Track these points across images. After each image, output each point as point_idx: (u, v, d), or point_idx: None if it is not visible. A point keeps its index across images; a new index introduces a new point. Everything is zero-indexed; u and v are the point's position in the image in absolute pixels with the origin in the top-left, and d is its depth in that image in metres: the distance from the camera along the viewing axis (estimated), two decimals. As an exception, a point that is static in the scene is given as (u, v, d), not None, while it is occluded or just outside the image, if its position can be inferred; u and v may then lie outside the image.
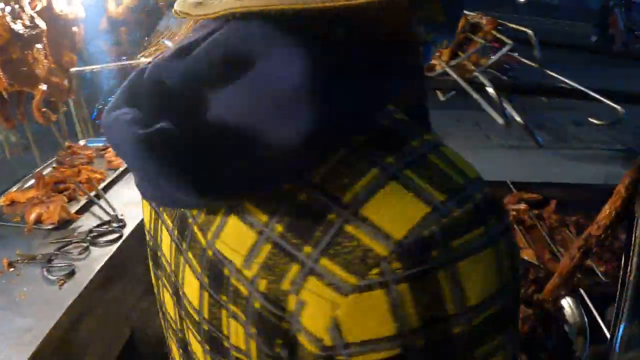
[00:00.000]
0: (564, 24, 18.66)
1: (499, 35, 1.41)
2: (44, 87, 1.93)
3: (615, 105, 1.06)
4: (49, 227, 1.64)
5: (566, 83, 1.24)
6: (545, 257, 1.61)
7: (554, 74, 1.34)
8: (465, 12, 1.71)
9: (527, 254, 1.62)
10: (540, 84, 1.29)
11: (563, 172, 4.93)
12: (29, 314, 1.28)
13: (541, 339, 1.23)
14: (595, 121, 1.01)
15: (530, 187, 2.13)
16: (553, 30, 16.68)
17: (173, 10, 0.42)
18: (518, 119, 0.87)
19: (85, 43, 2.36)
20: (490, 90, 0.98)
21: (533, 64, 1.45)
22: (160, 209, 0.50)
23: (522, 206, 1.82)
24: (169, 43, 1.14)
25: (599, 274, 1.56)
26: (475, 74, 1.18)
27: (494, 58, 1.23)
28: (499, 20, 1.58)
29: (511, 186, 2.07)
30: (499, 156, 5.43)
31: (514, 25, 1.55)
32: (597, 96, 1.12)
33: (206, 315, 0.42)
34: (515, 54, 1.82)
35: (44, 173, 2.01)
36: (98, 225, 1.68)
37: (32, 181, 1.94)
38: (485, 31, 1.46)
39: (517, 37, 1.65)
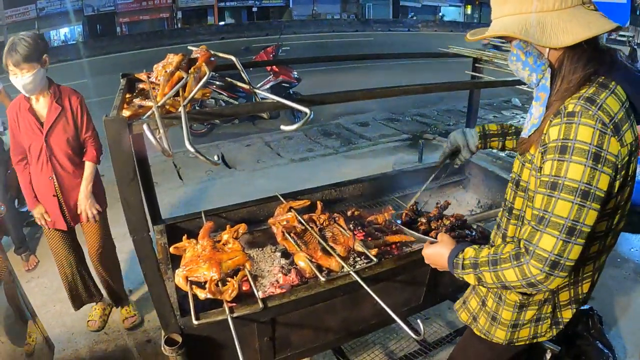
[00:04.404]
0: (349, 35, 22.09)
1: (204, 68, 1.58)
2: None
3: (303, 108, 1.32)
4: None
5: (270, 97, 1.48)
6: (318, 256, 1.85)
7: (261, 92, 1.58)
8: (191, 47, 1.88)
9: (299, 257, 1.84)
10: (222, 107, 1.50)
11: (353, 171, 5.57)
12: None
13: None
14: (286, 127, 1.24)
15: (297, 195, 2.42)
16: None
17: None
18: (191, 148, 1.02)
19: None
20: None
21: (245, 85, 1.69)
22: None
23: (290, 215, 2.05)
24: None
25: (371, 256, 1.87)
26: (180, 108, 1.33)
27: (194, 92, 1.39)
28: (210, 52, 1.79)
29: (281, 198, 2.31)
30: (291, 170, 5.90)
31: (221, 54, 1.76)
32: (288, 103, 1.37)
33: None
34: (216, 83, 2.10)
35: None
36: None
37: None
38: (197, 66, 1.62)
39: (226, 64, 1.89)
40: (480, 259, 1.28)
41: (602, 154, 1.06)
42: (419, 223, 1.89)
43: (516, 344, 1.48)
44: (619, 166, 1.11)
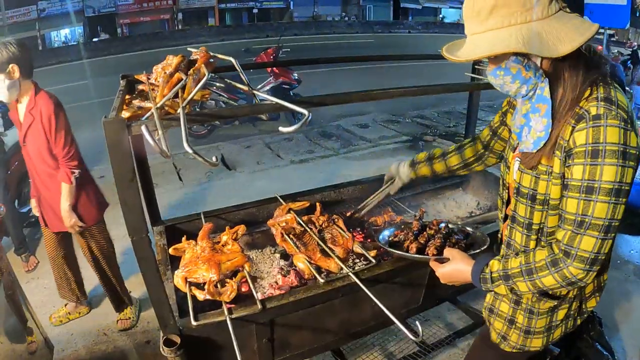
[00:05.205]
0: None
1: (203, 70, 1.57)
2: None
3: (301, 110, 1.32)
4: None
5: (269, 99, 1.48)
6: (317, 257, 1.85)
7: (260, 93, 1.58)
8: (190, 49, 1.89)
9: (298, 259, 1.84)
10: (221, 109, 1.50)
11: (353, 172, 5.57)
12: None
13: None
14: (284, 129, 1.24)
15: (297, 196, 2.42)
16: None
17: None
18: (189, 149, 1.02)
19: None
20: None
21: (244, 87, 1.69)
22: None
23: (289, 217, 2.05)
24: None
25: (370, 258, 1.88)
26: (179, 109, 1.33)
27: (193, 93, 1.39)
28: (210, 53, 1.79)
29: (280, 199, 2.32)
30: (291, 171, 5.90)
31: (220, 56, 1.77)
32: (287, 104, 1.38)
33: None
34: (217, 84, 2.12)
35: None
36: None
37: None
38: (196, 67, 1.63)
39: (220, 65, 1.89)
40: (512, 271, 1.29)
41: (628, 150, 1.10)
42: (407, 241, 1.85)
43: (550, 344, 1.51)
44: (638, 155, 1.14)
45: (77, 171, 2.53)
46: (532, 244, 1.37)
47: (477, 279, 1.38)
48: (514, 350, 1.51)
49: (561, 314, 1.43)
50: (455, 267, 1.47)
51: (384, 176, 2.21)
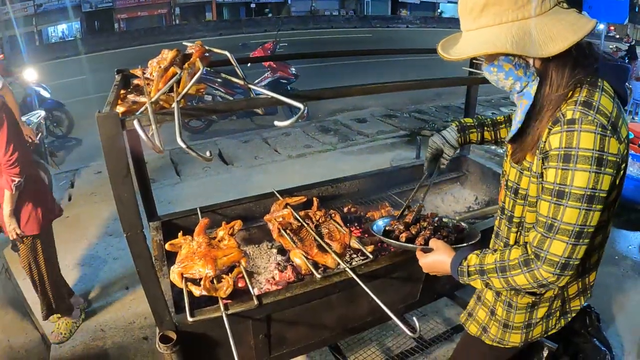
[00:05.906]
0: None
1: (198, 64, 1.56)
2: None
3: (296, 104, 1.30)
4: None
5: (265, 93, 1.47)
6: (314, 252, 1.84)
7: (256, 87, 1.56)
8: (185, 43, 1.87)
9: (295, 254, 1.83)
10: (216, 103, 1.48)
11: (351, 167, 5.57)
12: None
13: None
14: (279, 123, 1.22)
15: (294, 191, 2.41)
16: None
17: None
18: (182, 144, 1.01)
19: None
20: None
21: (239, 81, 1.68)
22: None
23: (286, 212, 2.04)
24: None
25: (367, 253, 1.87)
26: (173, 104, 1.32)
27: (187, 87, 1.37)
28: (205, 47, 1.77)
29: (277, 194, 2.30)
30: (288, 166, 5.88)
31: (215, 50, 1.75)
32: (282, 98, 1.36)
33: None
34: (215, 80, 2.11)
35: None
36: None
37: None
38: (191, 62, 1.61)
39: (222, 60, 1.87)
40: (487, 266, 1.30)
41: (604, 157, 1.07)
42: (397, 231, 1.84)
43: (530, 342, 1.50)
44: (620, 162, 1.11)
45: (17, 179, 2.44)
46: (512, 236, 1.39)
47: (455, 271, 1.39)
48: (494, 344, 1.51)
49: (541, 311, 1.43)
50: (436, 258, 1.48)
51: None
